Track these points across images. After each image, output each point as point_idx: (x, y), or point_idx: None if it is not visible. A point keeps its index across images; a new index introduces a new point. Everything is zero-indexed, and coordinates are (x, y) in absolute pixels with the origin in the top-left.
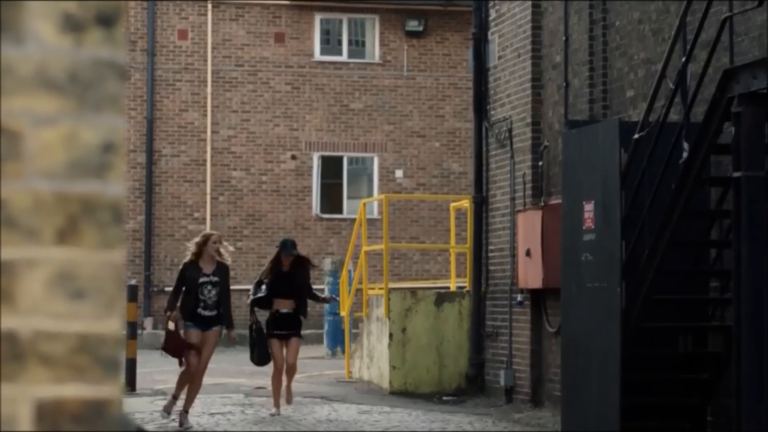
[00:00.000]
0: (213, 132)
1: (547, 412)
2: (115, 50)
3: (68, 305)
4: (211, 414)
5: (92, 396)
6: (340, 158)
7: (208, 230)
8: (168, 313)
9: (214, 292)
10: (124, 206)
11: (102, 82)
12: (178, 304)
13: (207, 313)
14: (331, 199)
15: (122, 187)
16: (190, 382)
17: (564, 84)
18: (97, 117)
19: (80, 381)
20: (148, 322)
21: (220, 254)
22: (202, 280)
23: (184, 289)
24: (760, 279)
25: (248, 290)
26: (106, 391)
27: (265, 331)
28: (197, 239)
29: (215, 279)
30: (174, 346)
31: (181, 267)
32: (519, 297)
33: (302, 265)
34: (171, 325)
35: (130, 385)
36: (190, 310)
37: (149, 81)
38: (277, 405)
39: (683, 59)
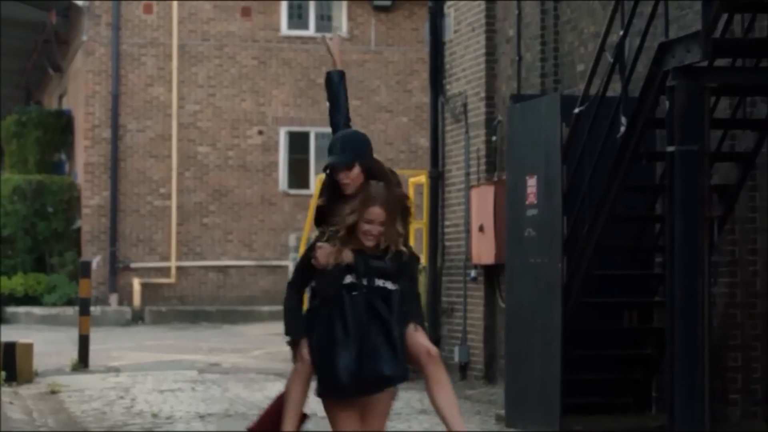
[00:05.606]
0: (179, 107)
1: (499, 388)
2: None
3: None
4: (161, 391)
5: None
6: (307, 133)
7: None
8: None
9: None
10: None
11: None
12: None
13: None
14: (298, 175)
15: None
16: None
17: (517, 58)
18: None
19: None
20: (113, 298)
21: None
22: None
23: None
24: (694, 254)
25: (213, 266)
26: None
27: None
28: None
29: None
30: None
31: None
32: (473, 273)
33: None
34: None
35: (83, 361)
36: None
37: (114, 55)
38: None
39: (621, 33)
